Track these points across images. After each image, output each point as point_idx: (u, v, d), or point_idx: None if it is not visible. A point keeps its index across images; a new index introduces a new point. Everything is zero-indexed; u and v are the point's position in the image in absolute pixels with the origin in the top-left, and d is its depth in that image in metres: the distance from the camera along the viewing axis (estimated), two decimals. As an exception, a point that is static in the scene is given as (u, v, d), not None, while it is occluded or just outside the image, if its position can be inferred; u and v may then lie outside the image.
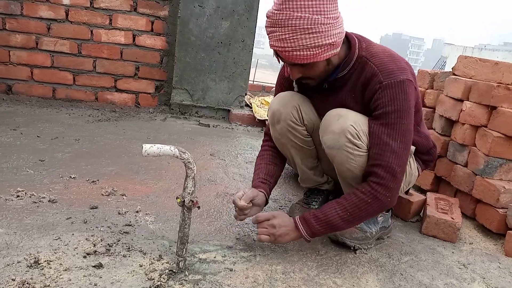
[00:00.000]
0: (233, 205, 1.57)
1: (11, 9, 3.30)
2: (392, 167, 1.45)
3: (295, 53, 1.38)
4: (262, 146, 1.88)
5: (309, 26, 1.33)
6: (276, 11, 1.35)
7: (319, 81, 1.56)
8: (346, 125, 1.48)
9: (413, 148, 1.67)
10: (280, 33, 1.36)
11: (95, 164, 2.21)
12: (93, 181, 1.98)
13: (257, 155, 1.85)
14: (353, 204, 1.46)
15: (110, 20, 3.48)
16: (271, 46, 1.42)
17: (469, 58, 2.28)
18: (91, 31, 3.47)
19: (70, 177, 1.99)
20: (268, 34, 1.43)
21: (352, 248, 1.63)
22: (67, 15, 3.40)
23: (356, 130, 1.48)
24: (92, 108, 3.44)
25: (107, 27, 3.49)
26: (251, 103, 3.80)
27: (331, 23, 1.36)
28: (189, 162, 1.24)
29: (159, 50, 3.62)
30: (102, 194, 1.86)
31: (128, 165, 2.25)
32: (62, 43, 3.44)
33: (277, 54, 1.45)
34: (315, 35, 1.35)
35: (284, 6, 1.33)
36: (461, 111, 2.18)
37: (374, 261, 1.60)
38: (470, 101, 2.14)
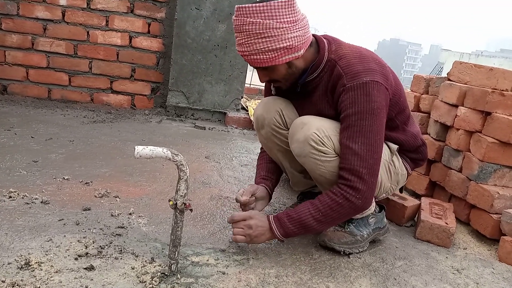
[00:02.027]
0: (235, 201, 1.65)
1: (7, 9, 3.29)
2: (356, 169, 1.44)
3: (252, 57, 1.44)
4: (261, 148, 1.90)
5: (261, 31, 1.39)
6: (234, 18, 1.43)
7: (288, 84, 1.58)
8: (309, 133, 1.50)
9: (395, 146, 1.66)
10: (239, 38, 1.44)
11: (89, 165, 2.20)
12: (86, 183, 1.97)
13: (253, 159, 1.86)
14: (325, 204, 1.46)
15: (107, 21, 3.47)
16: (237, 50, 1.49)
17: (464, 64, 2.29)
18: (88, 32, 3.46)
19: (64, 178, 1.98)
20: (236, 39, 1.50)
21: (341, 253, 1.62)
22: (63, 15, 3.39)
23: (319, 136, 1.49)
24: (88, 109, 3.43)
25: (104, 28, 3.48)
26: (247, 106, 3.80)
27: (285, 27, 1.39)
28: (181, 164, 1.23)
29: (155, 52, 3.61)
30: (95, 196, 1.84)
31: (122, 167, 2.24)
32: (58, 44, 3.43)
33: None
34: (267, 39, 1.39)
35: (239, 13, 1.41)
36: (455, 117, 2.19)
37: (367, 265, 1.60)
38: (465, 107, 2.14)
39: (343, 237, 1.64)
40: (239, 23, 1.41)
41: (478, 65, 2.22)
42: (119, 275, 1.29)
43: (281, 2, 1.38)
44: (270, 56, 1.42)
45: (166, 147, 1.22)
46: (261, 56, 1.42)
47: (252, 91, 4.59)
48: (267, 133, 1.73)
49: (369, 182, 1.46)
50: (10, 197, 1.71)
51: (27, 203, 1.68)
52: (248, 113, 3.68)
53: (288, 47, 1.41)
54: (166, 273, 1.32)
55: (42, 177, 1.97)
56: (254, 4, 1.38)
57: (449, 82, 2.32)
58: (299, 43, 1.44)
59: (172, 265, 1.33)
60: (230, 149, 2.89)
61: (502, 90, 2.04)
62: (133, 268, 1.33)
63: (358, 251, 1.65)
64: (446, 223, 1.88)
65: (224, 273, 1.39)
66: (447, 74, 2.41)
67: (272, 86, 1.77)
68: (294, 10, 1.41)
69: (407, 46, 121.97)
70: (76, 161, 2.23)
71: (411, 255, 1.73)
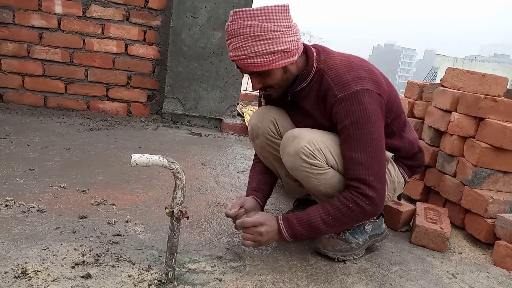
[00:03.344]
0: (225, 216, 1.61)
1: (3, 18, 3.30)
2: (363, 178, 1.45)
3: (249, 60, 1.43)
4: (254, 159, 1.90)
5: (259, 33, 1.39)
6: (229, 23, 1.43)
7: (280, 91, 1.58)
8: (300, 146, 1.50)
9: (390, 154, 1.65)
10: (235, 43, 1.43)
11: (85, 173, 2.20)
12: (83, 191, 1.97)
13: (249, 165, 1.86)
14: (335, 208, 1.47)
15: (103, 29, 3.49)
16: (230, 57, 1.48)
17: (457, 70, 2.32)
18: (83, 40, 3.47)
19: (60, 186, 1.98)
20: (228, 47, 1.49)
21: (336, 260, 1.62)
22: (59, 24, 3.40)
23: (310, 150, 1.49)
24: (84, 117, 3.43)
25: (100, 36, 3.49)
26: (243, 113, 3.81)
27: (282, 31, 1.41)
28: (178, 172, 1.24)
29: (151, 60, 3.63)
30: (92, 204, 1.85)
31: (119, 175, 2.25)
32: (54, 52, 3.44)
33: (237, 65, 1.50)
34: (265, 41, 1.40)
35: (235, 17, 1.41)
36: (449, 122, 2.21)
37: (363, 271, 1.60)
38: (458, 113, 2.17)
39: (337, 245, 1.64)
40: (236, 27, 1.41)
41: (470, 71, 2.25)
42: (116, 283, 1.29)
43: (277, 7, 1.40)
44: (268, 59, 1.42)
45: (163, 155, 1.23)
46: (258, 60, 1.42)
47: (248, 98, 4.61)
48: (261, 142, 1.74)
49: (378, 189, 1.47)
50: (7, 205, 1.71)
51: (24, 212, 1.68)
52: (244, 120, 3.69)
53: (285, 50, 1.43)
54: (163, 281, 1.32)
55: (38, 185, 1.97)
56: (250, 8, 1.40)
57: (442, 88, 2.34)
58: (294, 47, 1.45)
59: (169, 273, 1.33)
60: (226, 156, 2.90)
61: (495, 96, 2.07)
62: (130, 276, 1.34)
63: (352, 259, 1.66)
64: (441, 228, 1.89)
65: (221, 280, 1.40)
66: (440, 80, 2.44)
67: (262, 97, 1.76)
68: (288, 16, 1.44)
69: (401, 51, 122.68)
70: (73, 169, 2.24)
71: (407, 260, 1.74)
